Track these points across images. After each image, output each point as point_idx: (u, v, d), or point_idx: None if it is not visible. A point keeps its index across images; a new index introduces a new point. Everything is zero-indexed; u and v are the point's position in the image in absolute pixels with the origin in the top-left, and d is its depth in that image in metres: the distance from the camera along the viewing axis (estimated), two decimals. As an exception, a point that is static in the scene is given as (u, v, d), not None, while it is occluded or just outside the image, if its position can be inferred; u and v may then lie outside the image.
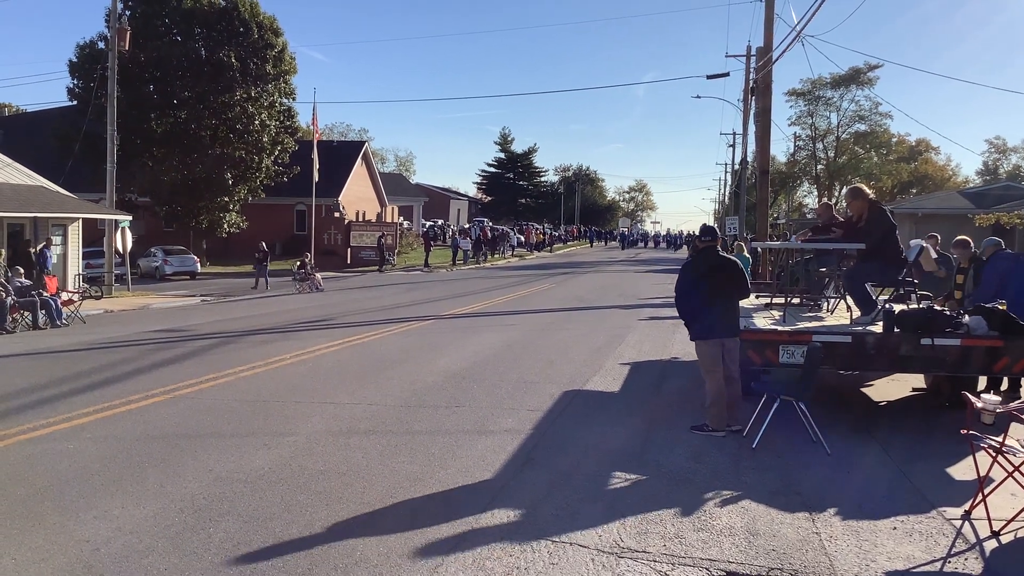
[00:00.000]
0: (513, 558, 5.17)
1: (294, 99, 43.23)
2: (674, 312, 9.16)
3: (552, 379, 11.33)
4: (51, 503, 6.09)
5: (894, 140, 76.42)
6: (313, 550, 5.24)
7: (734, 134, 60.67)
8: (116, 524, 5.64)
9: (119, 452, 7.48)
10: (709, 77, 35.98)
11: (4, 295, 17.18)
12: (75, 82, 37.97)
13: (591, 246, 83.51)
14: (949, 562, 5.29)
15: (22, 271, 19.17)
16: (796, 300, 11.58)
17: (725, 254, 9.06)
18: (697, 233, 9.34)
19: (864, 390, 11.15)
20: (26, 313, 17.90)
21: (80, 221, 26.68)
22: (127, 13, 34.99)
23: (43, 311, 18.11)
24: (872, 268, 9.58)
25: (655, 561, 5.18)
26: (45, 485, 6.51)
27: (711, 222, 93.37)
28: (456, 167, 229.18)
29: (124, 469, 6.97)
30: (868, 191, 9.97)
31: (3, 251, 18.60)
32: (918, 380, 11.06)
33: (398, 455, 7.48)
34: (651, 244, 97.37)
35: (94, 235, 31.01)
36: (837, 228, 10.59)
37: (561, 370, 12.09)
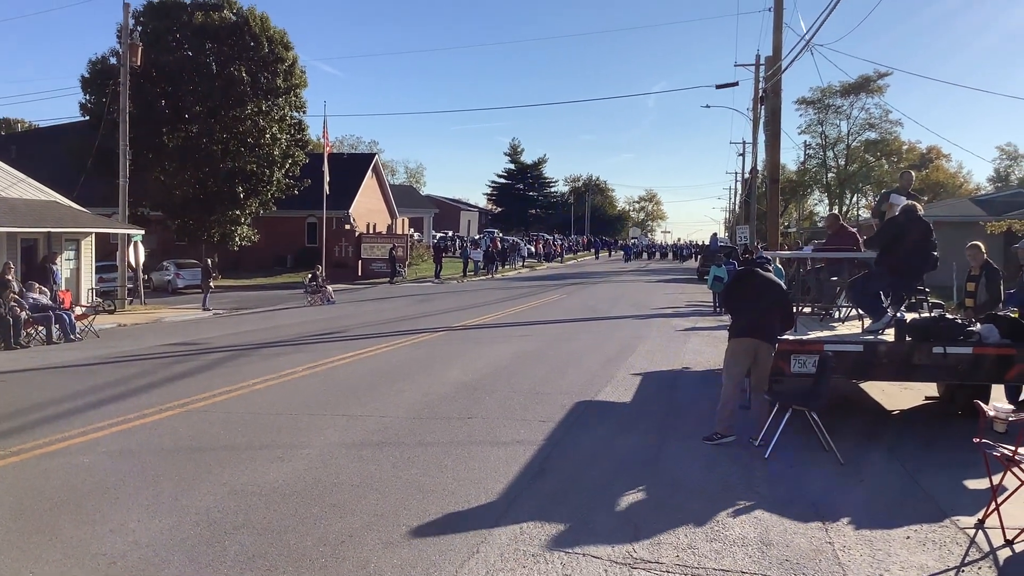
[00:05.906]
0: (526, 569, 5.19)
1: (304, 112, 43.49)
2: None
3: (564, 390, 11.35)
4: (68, 517, 6.13)
5: (905, 148, 76.25)
6: (327, 562, 5.27)
7: (744, 143, 60.62)
8: (132, 538, 5.69)
9: (134, 466, 7.54)
10: (719, 87, 36.17)
11: (19, 310, 17.29)
12: (87, 97, 38.34)
13: (596, 257, 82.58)
14: (963, 571, 5.28)
15: (37, 286, 19.26)
16: (807, 309, 11.58)
17: (771, 275, 8.79)
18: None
19: (876, 399, 11.13)
20: (40, 328, 18.02)
21: (93, 236, 26.87)
22: (138, 28, 35.31)
23: (57, 326, 18.22)
24: (879, 277, 9.55)
25: (668, 572, 5.18)
26: (62, 499, 6.55)
27: (722, 231, 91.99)
28: (466, 178, 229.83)
29: (139, 483, 7.01)
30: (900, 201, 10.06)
31: (12, 265, 18.65)
32: (931, 388, 11.04)
33: (411, 467, 7.51)
34: (657, 256, 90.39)
35: (107, 249, 31.21)
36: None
37: (573, 380, 12.11)
